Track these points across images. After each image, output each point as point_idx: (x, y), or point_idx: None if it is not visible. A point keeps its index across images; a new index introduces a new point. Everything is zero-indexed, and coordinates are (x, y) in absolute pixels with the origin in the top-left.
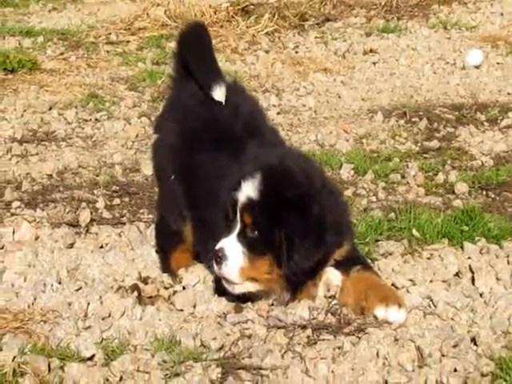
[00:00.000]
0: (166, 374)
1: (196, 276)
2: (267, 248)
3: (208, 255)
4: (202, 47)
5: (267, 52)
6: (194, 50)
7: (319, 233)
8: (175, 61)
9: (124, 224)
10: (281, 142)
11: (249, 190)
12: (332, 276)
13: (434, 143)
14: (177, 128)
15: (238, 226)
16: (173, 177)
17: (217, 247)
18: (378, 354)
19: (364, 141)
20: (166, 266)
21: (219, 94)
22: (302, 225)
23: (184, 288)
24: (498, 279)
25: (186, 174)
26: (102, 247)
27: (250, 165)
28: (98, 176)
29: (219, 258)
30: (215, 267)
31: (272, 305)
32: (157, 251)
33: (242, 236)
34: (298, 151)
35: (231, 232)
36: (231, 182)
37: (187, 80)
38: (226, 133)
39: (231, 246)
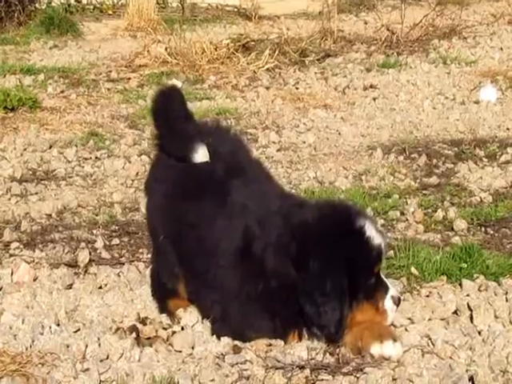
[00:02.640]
0: None
1: (195, 316)
2: None
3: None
4: (169, 119)
5: (268, 88)
6: (163, 125)
7: None
8: (153, 125)
9: (123, 264)
10: (266, 177)
11: (378, 233)
12: None
13: (433, 179)
14: (161, 188)
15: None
16: (162, 237)
17: (398, 294)
18: None
19: (363, 177)
20: (164, 308)
21: (200, 156)
22: None
23: (183, 328)
24: (496, 317)
25: (173, 230)
26: (100, 288)
27: (339, 218)
28: (97, 215)
29: (400, 302)
30: (394, 314)
31: (270, 345)
32: (153, 296)
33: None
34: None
35: (382, 279)
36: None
37: None
38: (207, 180)
39: None
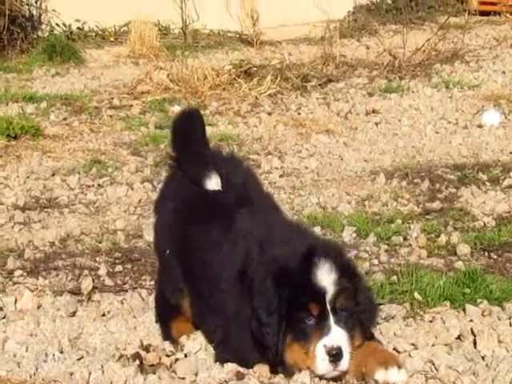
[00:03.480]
0: None
1: (198, 343)
2: (355, 322)
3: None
4: (190, 139)
5: (270, 114)
6: (182, 144)
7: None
8: (171, 143)
9: (126, 291)
10: (273, 209)
11: (329, 276)
12: None
13: (436, 204)
14: (171, 204)
15: (331, 316)
16: (168, 252)
17: (333, 346)
18: None
19: (366, 203)
20: (167, 335)
21: (212, 184)
22: (364, 285)
23: (186, 355)
24: (500, 342)
25: (180, 247)
26: (103, 315)
27: (291, 251)
28: (100, 243)
29: (336, 355)
30: (328, 366)
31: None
32: (157, 321)
33: (337, 322)
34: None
35: (325, 324)
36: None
37: None
38: (217, 204)
39: (342, 339)
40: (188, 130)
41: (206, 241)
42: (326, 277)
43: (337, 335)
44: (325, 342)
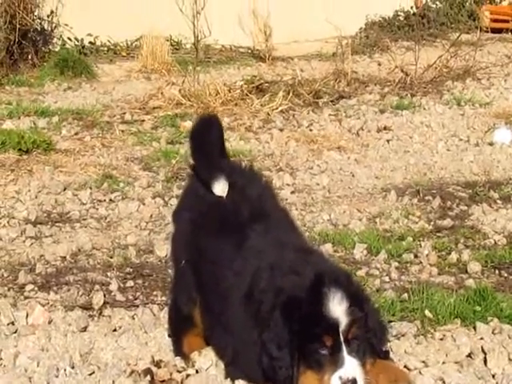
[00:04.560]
0: None
1: (209, 359)
2: (366, 347)
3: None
4: (205, 142)
5: (281, 130)
6: (197, 147)
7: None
8: (189, 149)
9: (137, 306)
10: (289, 225)
11: (340, 306)
12: None
13: (447, 222)
14: (187, 215)
15: (343, 346)
16: (183, 262)
17: (348, 377)
18: None
19: (377, 220)
20: (179, 350)
21: (218, 189)
22: (373, 308)
23: (197, 371)
24: (510, 360)
25: (194, 258)
26: (115, 330)
27: (304, 281)
28: (111, 258)
29: None
30: None
31: None
32: (169, 335)
33: (350, 352)
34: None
35: (339, 355)
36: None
37: None
38: (231, 217)
39: (357, 369)
40: (203, 134)
41: (218, 255)
42: (337, 307)
43: (351, 366)
44: (340, 373)
